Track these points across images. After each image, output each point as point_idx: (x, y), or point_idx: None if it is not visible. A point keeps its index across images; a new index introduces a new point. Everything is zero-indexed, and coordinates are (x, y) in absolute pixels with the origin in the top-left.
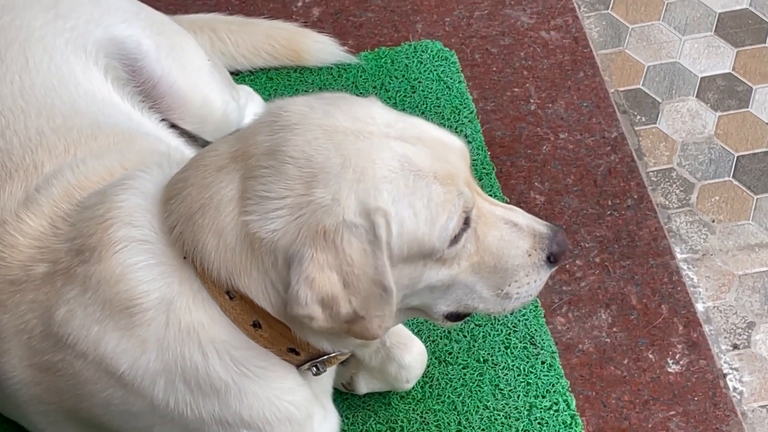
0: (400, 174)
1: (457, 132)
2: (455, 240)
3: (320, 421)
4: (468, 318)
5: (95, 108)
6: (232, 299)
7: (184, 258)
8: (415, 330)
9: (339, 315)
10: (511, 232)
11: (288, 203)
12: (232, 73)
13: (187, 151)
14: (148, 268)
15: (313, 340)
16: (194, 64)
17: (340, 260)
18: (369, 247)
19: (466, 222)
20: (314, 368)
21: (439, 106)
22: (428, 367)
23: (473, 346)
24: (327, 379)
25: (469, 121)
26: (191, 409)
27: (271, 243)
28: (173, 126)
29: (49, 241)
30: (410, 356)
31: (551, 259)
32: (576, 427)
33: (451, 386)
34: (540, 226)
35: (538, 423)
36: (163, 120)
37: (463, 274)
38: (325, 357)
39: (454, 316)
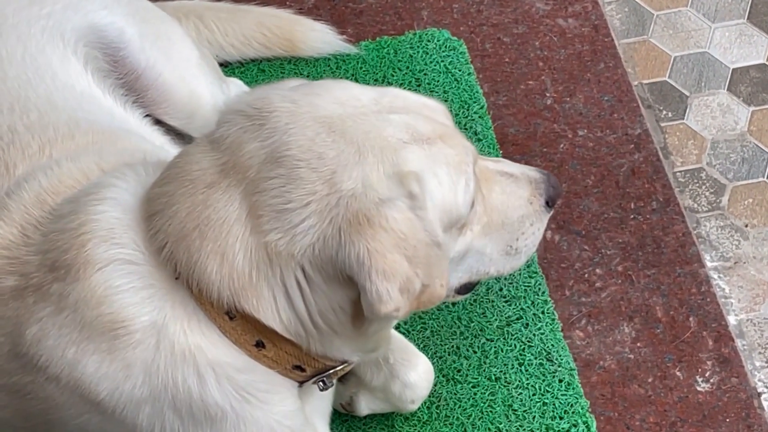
0: (413, 143)
1: (465, 128)
2: (472, 204)
3: None
4: (476, 289)
5: (73, 102)
6: (232, 319)
7: (176, 279)
8: (421, 345)
9: (413, 293)
10: (511, 183)
11: (314, 209)
12: (220, 65)
13: (171, 150)
14: (134, 291)
15: (335, 351)
16: (181, 54)
17: (394, 239)
18: (413, 214)
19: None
20: (321, 383)
21: (446, 101)
22: (435, 385)
23: (484, 362)
24: (326, 399)
25: (479, 116)
26: None
27: (307, 257)
28: (158, 122)
29: (19, 251)
30: (416, 374)
31: (549, 203)
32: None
33: (460, 407)
34: (532, 171)
35: None
36: (147, 116)
37: (476, 239)
38: (331, 371)
39: (465, 288)
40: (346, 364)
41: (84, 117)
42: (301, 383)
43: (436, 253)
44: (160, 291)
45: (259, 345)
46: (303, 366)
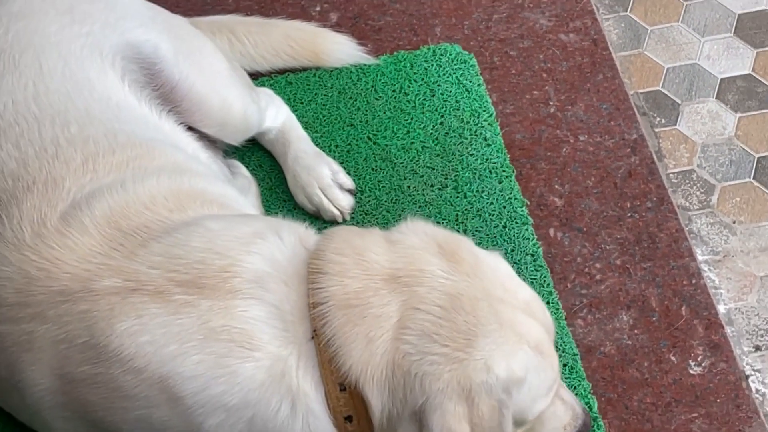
0: (533, 353)
1: (476, 135)
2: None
3: None
4: None
5: (110, 114)
6: (342, 391)
7: (312, 338)
8: None
9: None
10: (561, 407)
11: (446, 352)
12: (251, 75)
13: (203, 156)
14: (270, 325)
15: None
16: (213, 67)
17: (473, 414)
18: (498, 405)
19: None
20: None
21: (458, 110)
22: None
23: None
24: None
25: (488, 124)
26: None
27: (418, 380)
28: (191, 128)
29: (116, 261)
30: None
31: None
32: (598, 429)
33: None
34: (577, 405)
35: None
36: (181, 123)
37: None
38: None
39: None
40: None
41: (121, 128)
42: None
43: None
44: (294, 338)
45: (348, 419)
46: None
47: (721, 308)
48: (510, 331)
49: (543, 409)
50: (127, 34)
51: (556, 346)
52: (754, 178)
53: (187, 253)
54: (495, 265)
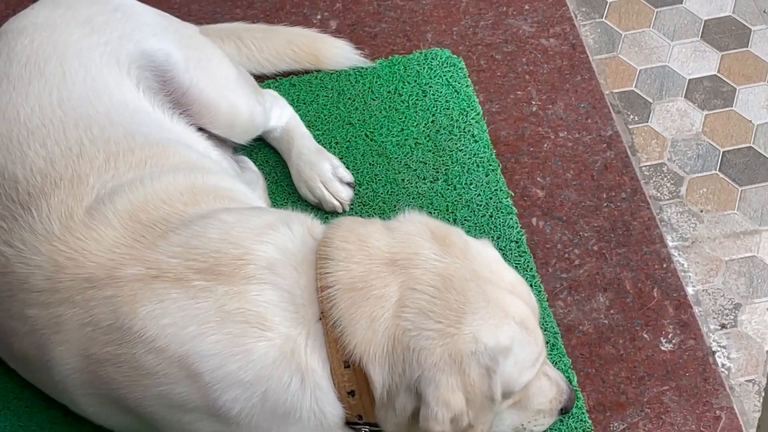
0: (519, 328)
1: (464, 132)
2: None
3: None
4: None
5: (128, 117)
6: (347, 368)
7: (318, 320)
8: None
9: (460, 426)
10: (546, 382)
11: (440, 328)
12: (257, 78)
13: (213, 153)
14: (282, 308)
15: (387, 425)
16: (220, 73)
17: (465, 382)
18: (487, 372)
19: None
20: (366, 428)
21: (448, 109)
22: None
23: None
24: None
25: (476, 122)
26: (250, 418)
27: (416, 354)
28: (201, 129)
29: (138, 251)
30: None
31: (561, 411)
32: (577, 401)
33: None
34: (562, 381)
35: None
36: (192, 124)
37: (506, 408)
38: (378, 428)
39: None
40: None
41: (138, 130)
42: (351, 424)
43: (489, 405)
44: (303, 319)
45: (351, 394)
46: (363, 417)
47: (690, 290)
48: (497, 308)
49: (529, 381)
50: (141, 43)
51: (539, 326)
52: (719, 170)
53: (204, 243)
54: (483, 250)
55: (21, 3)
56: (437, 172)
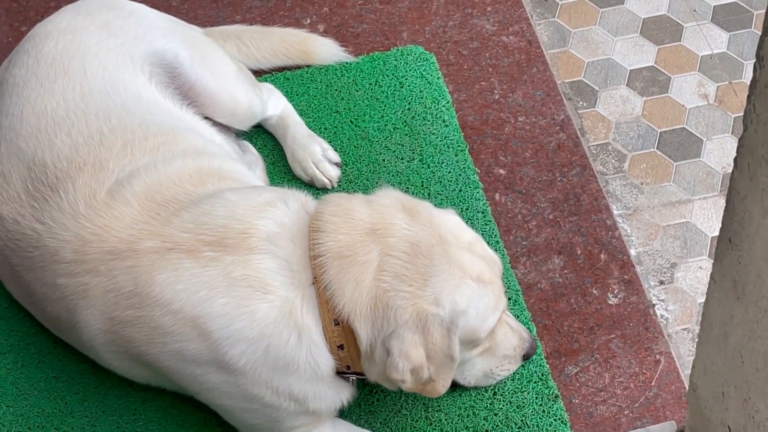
0: (476, 284)
1: (436, 118)
2: (488, 334)
3: (332, 421)
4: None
5: (142, 108)
6: (336, 325)
7: (312, 284)
8: None
9: (421, 379)
10: (510, 332)
11: (410, 290)
12: (255, 73)
13: (218, 138)
14: (281, 274)
15: (371, 374)
16: (222, 69)
17: (427, 341)
18: (448, 333)
19: None
20: (354, 376)
21: (422, 98)
22: None
23: None
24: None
25: (446, 109)
26: (254, 370)
27: (393, 312)
28: (206, 117)
29: (154, 227)
30: None
31: (524, 357)
32: (537, 349)
33: None
34: (523, 331)
35: None
36: (198, 114)
37: (476, 356)
38: (363, 377)
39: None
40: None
41: (151, 119)
42: (340, 374)
43: (449, 363)
44: (299, 284)
45: (341, 348)
46: (351, 367)
47: (633, 252)
48: (456, 268)
49: (492, 327)
50: (153, 44)
51: (501, 278)
52: (657, 148)
53: (212, 219)
54: (445, 217)
55: (47, 10)
56: (413, 153)
